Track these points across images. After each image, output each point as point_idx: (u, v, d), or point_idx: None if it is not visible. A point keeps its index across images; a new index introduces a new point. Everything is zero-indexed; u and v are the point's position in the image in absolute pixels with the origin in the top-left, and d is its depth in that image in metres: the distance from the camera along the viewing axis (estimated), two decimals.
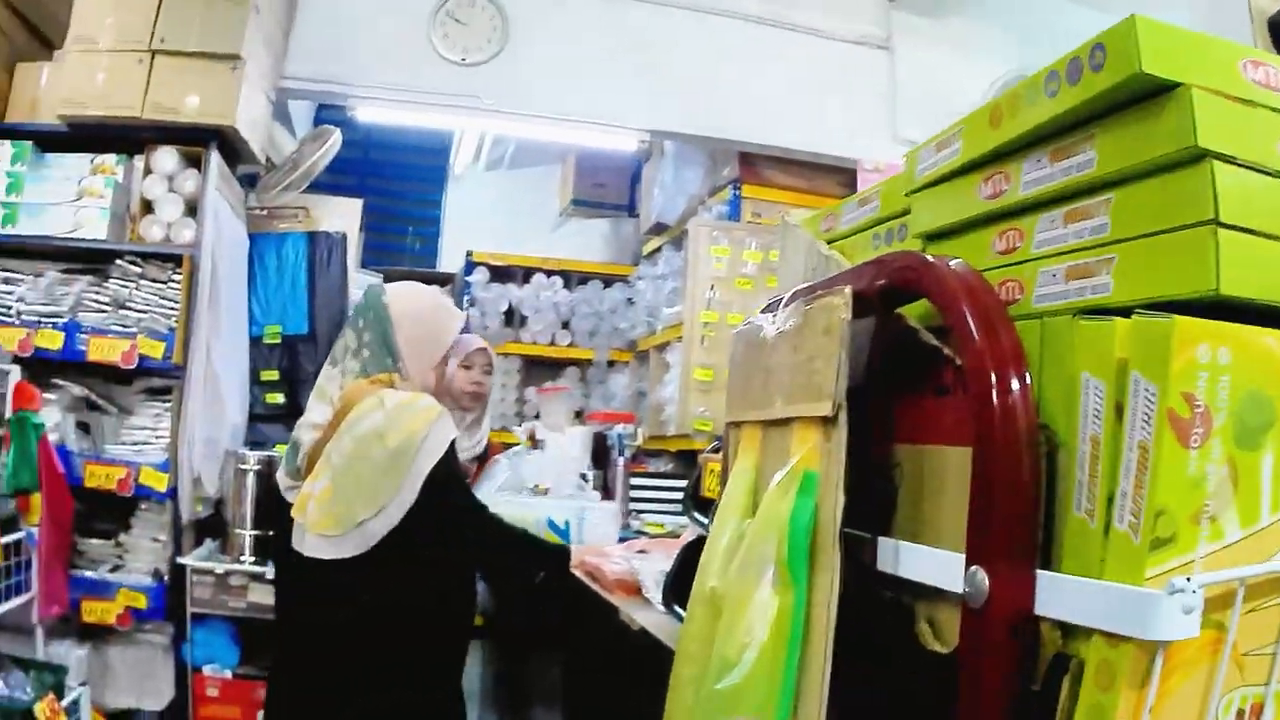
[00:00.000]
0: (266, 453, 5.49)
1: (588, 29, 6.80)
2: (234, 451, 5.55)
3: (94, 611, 5.18)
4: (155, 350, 5.25)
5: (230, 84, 5.45)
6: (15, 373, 4.40)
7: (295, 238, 6.54)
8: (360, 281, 6.72)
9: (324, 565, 3.37)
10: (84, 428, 5.48)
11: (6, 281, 5.53)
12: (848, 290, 1.70)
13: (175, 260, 5.47)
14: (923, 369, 1.69)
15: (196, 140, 5.54)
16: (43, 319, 5.37)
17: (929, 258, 1.66)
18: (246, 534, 5.42)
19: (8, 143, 5.55)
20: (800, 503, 1.69)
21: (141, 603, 5.22)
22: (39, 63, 5.90)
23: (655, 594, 3.63)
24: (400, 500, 3.34)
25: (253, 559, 5.39)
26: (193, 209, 5.53)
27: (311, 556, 3.40)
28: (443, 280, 9.49)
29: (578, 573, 4.15)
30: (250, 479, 5.43)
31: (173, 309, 5.39)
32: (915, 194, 1.94)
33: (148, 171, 5.54)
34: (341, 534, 3.33)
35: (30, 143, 5.54)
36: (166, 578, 5.30)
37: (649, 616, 3.52)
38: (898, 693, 1.66)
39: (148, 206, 5.55)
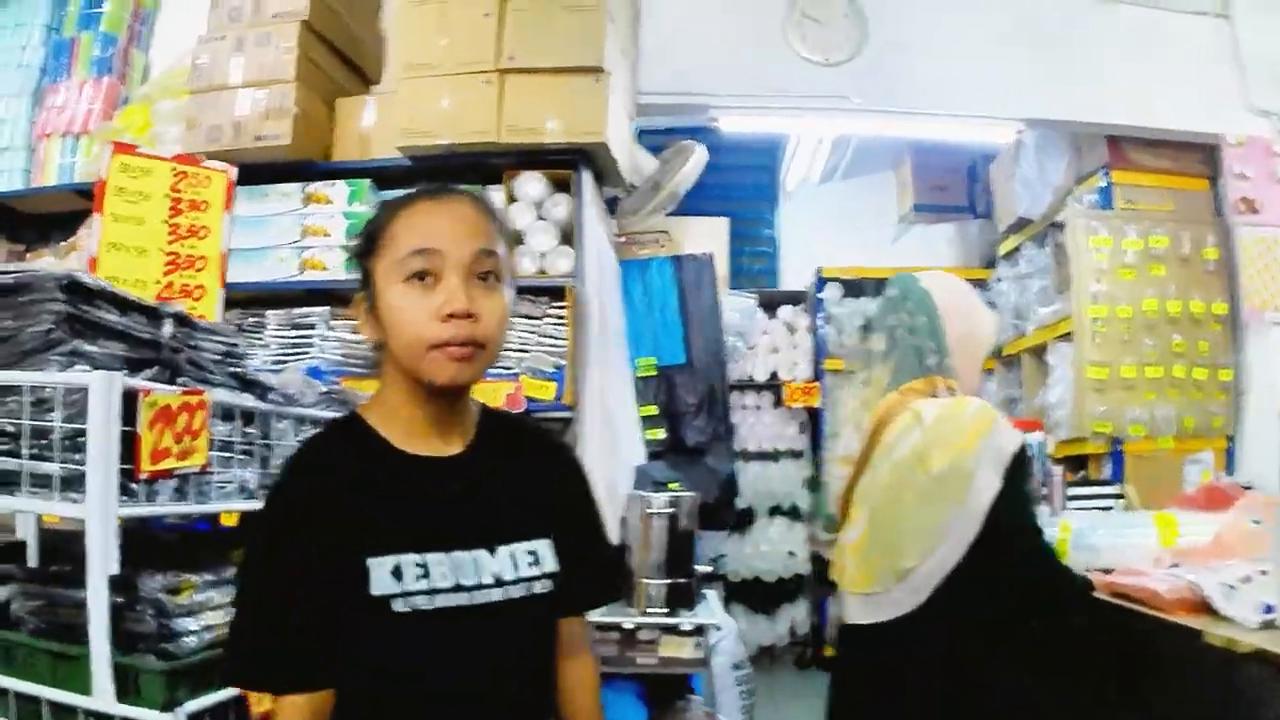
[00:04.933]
0: (672, 493, 5.23)
1: (948, 16, 6.49)
2: (637, 495, 5.32)
3: None
4: (544, 392, 5.07)
5: (596, 99, 5.22)
6: None
7: (660, 263, 6.42)
8: (733, 305, 6.52)
9: (868, 634, 2.95)
10: None
11: (356, 331, 5.32)
12: None
13: (550, 293, 5.28)
14: None
15: (560, 163, 5.35)
16: None
17: None
18: (654, 583, 5.15)
19: (341, 183, 5.51)
20: None
21: None
22: (360, 97, 5.87)
23: (1232, 608, 3.09)
24: (955, 539, 2.82)
25: (664, 610, 5.01)
26: (566, 237, 5.35)
27: (853, 624, 2.99)
28: (793, 299, 9.26)
29: (1104, 596, 3.51)
30: (656, 524, 5.16)
31: (556, 345, 5.20)
32: None
33: (510, 200, 5.38)
34: (883, 591, 2.89)
35: (368, 181, 5.49)
36: None
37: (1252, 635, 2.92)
38: None
39: (516, 238, 5.36)
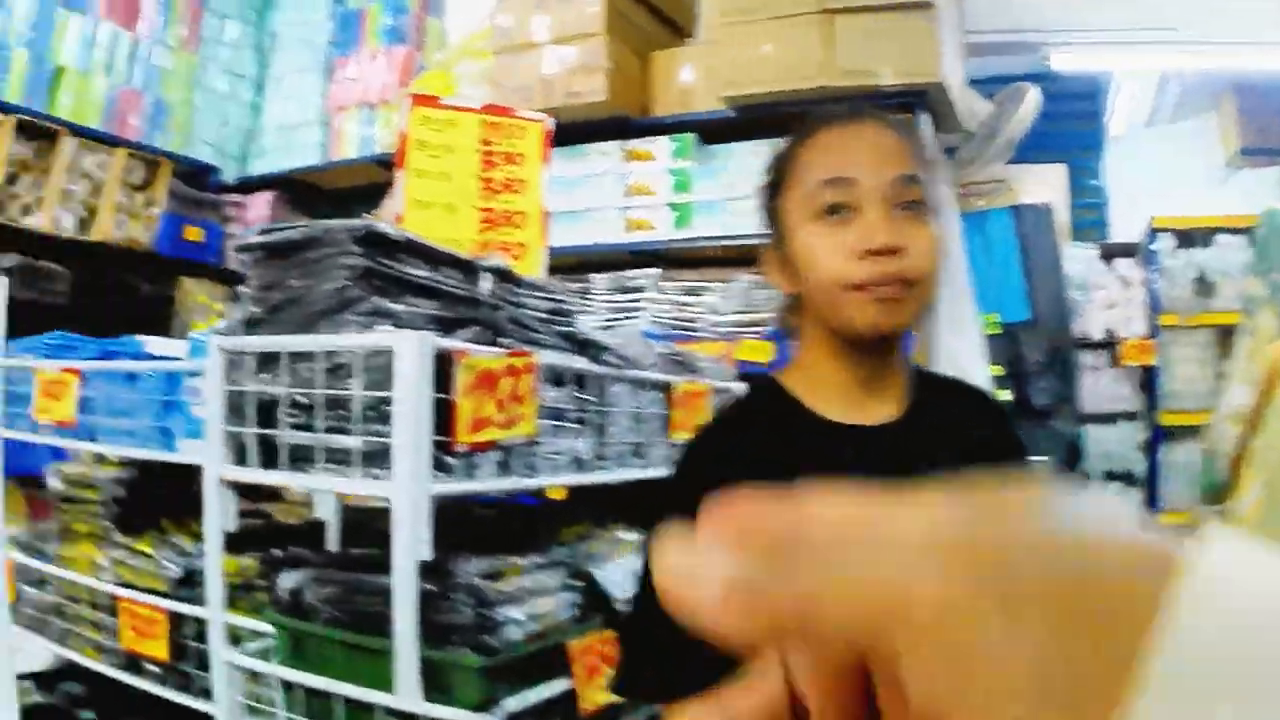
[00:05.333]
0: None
1: None
2: None
3: None
4: None
5: (928, 36, 4.58)
6: (738, 388, 3.66)
7: (999, 214, 5.85)
8: (1074, 257, 5.78)
9: None
10: None
11: (689, 292, 4.98)
12: None
13: None
14: None
15: (895, 108, 4.65)
16: (743, 329, 4.75)
17: None
18: None
19: (663, 138, 5.06)
20: None
21: None
22: (675, 49, 5.39)
23: None
24: None
25: None
26: None
27: None
28: (1126, 251, 8.36)
29: None
30: None
31: None
32: None
33: None
34: None
35: (691, 135, 5.02)
36: None
37: None
38: None
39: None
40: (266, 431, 2.09)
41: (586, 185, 5.13)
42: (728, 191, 4.89)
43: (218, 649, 2.27)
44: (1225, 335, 7.21)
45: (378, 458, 1.92)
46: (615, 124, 5.15)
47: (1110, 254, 8.37)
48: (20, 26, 5.75)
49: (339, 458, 1.99)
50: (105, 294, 5.95)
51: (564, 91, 4.98)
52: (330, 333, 2.00)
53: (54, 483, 3.20)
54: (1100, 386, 8.26)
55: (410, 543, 1.85)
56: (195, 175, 6.59)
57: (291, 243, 2.09)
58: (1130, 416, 8.10)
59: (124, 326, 3.74)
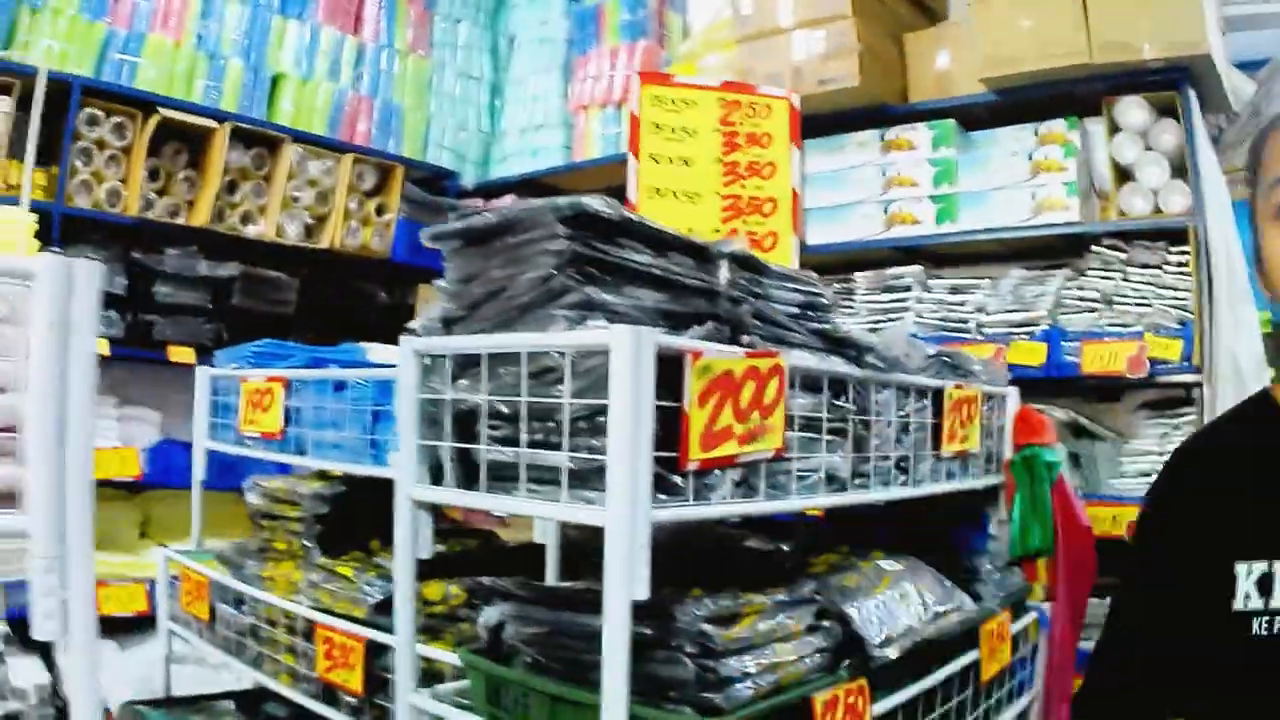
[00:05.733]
0: None
1: None
2: None
3: None
4: (1169, 351, 3.99)
5: (1192, 6, 4.06)
6: (1014, 396, 3.19)
7: None
8: None
9: None
10: (1074, 459, 4.30)
11: (955, 291, 4.59)
12: None
13: (1164, 236, 4.21)
14: None
15: (1159, 84, 4.22)
16: (1014, 329, 4.34)
17: None
18: None
19: (922, 125, 4.67)
20: None
21: None
22: (930, 30, 4.99)
23: None
24: None
25: None
26: (1177, 170, 4.23)
27: None
28: None
29: None
30: None
31: (1178, 297, 4.12)
32: None
33: (1113, 131, 4.31)
34: None
35: (951, 121, 4.63)
36: None
37: None
38: None
39: (1122, 174, 4.32)
40: (464, 445, 1.78)
41: (843, 178, 4.81)
42: (993, 181, 4.50)
43: (403, 687, 1.97)
44: None
45: (590, 477, 1.58)
46: (871, 112, 4.80)
47: None
48: (234, 35, 5.69)
49: (546, 476, 1.66)
50: (335, 301, 5.88)
51: (815, 78, 4.61)
52: (534, 330, 1.67)
53: (253, 498, 2.99)
54: None
55: (623, 579, 1.51)
56: (433, 181, 6.50)
57: (492, 228, 1.77)
58: None
59: (358, 335, 3.59)
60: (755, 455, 1.73)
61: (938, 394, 2.40)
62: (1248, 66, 5.08)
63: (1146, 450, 4.27)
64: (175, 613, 3.23)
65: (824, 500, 1.98)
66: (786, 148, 2.80)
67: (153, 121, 5.13)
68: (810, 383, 1.93)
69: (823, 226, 4.74)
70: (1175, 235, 4.16)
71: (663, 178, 2.68)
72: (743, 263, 1.88)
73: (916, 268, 4.72)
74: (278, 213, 5.56)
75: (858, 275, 4.79)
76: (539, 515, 1.80)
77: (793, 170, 2.79)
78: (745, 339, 1.81)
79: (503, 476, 1.72)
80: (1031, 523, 2.97)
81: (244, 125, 5.42)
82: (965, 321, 4.46)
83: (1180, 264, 4.12)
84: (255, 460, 3.15)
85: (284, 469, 3.26)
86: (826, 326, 2.04)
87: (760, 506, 1.80)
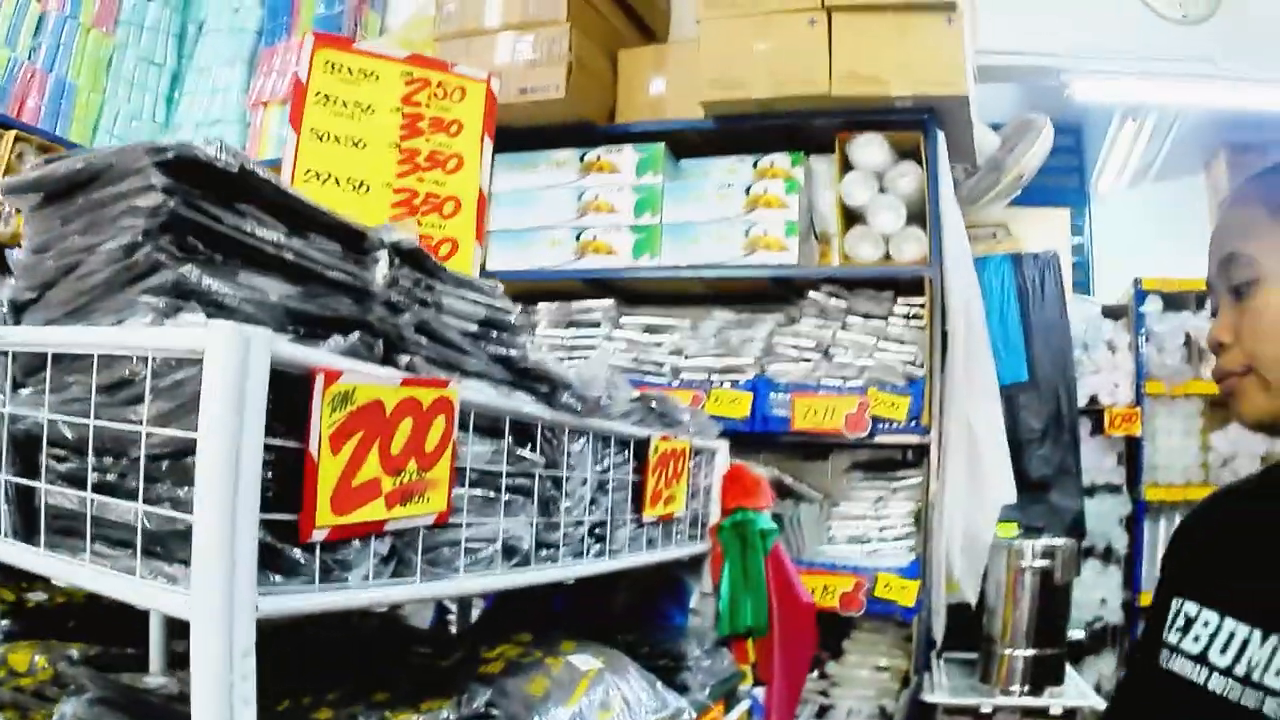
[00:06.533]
0: (1047, 541, 3.98)
1: None
2: (1005, 544, 4.00)
3: None
4: (895, 410, 3.79)
5: (951, 42, 3.90)
6: (724, 451, 2.81)
7: (998, 262, 5.19)
8: (1082, 314, 5.16)
9: None
10: (775, 520, 3.99)
11: (650, 330, 4.28)
12: None
13: (892, 286, 4.03)
14: None
15: (904, 124, 4.04)
16: (714, 377, 4.05)
17: None
18: (1019, 654, 3.89)
19: (629, 147, 4.33)
20: None
21: None
22: (647, 47, 4.72)
23: None
24: None
25: (1024, 688, 3.88)
26: (914, 217, 4.03)
27: None
28: (1113, 314, 7.75)
29: None
30: (1029, 581, 3.92)
31: (905, 351, 3.92)
32: None
33: (845, 169, 4.09)
34: None
35: (661, 145, 4.29)
36: None
37: None
38: None
39: (850, 217, 4.08)
40: (21, 480, 1.27)
41: (534, 198, 4.40)
42: (703, 214, 4.18)
43: None
44: (1215, 405, 6.75)
45: (173, 542, 1.10)
46: (575, 130, 4.42)
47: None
48: None
49: (123, 536, 1.16)
50: None
51: (517, 86, 4.18)
52: (108, 321, 1.18)
53: None
54: (1083, 457, 7.67)
55: (215, 694, 1.03)
56: None
57: (75, 176, 1.25)
58: (1114, 489, 7.53)
59: None
60: (412, 520, 1.29)
61: (641, 445, 2.00)
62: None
63: (860, 515, 4.06)
64: None
65: (501, 580, 1.53)
66: (478, 140, 2.41)
67: None
68: (487, 425, 1.49)
69: (506, 251, 4.33)
70: (905, 285, 3.96)
71: (326, 160, 2.25)
72: (409, 258, 1.41)
73: (608, 302, 4.37)
74: None
75: (541, 306, 4.41)
76: (102, 591, 1.26)
77: (483, 167, 2.39)
78: (404, 359, 1.35)
79: (70, 530, 1.22)
80: (743, 597, 2.60)
81: None
82: (660, 365, 4.16)
83: (909, 315, 3.93)
84: None
85: None
86: (513, 353, 1.58)
87: (415, 590, 1.34)
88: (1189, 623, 1.43)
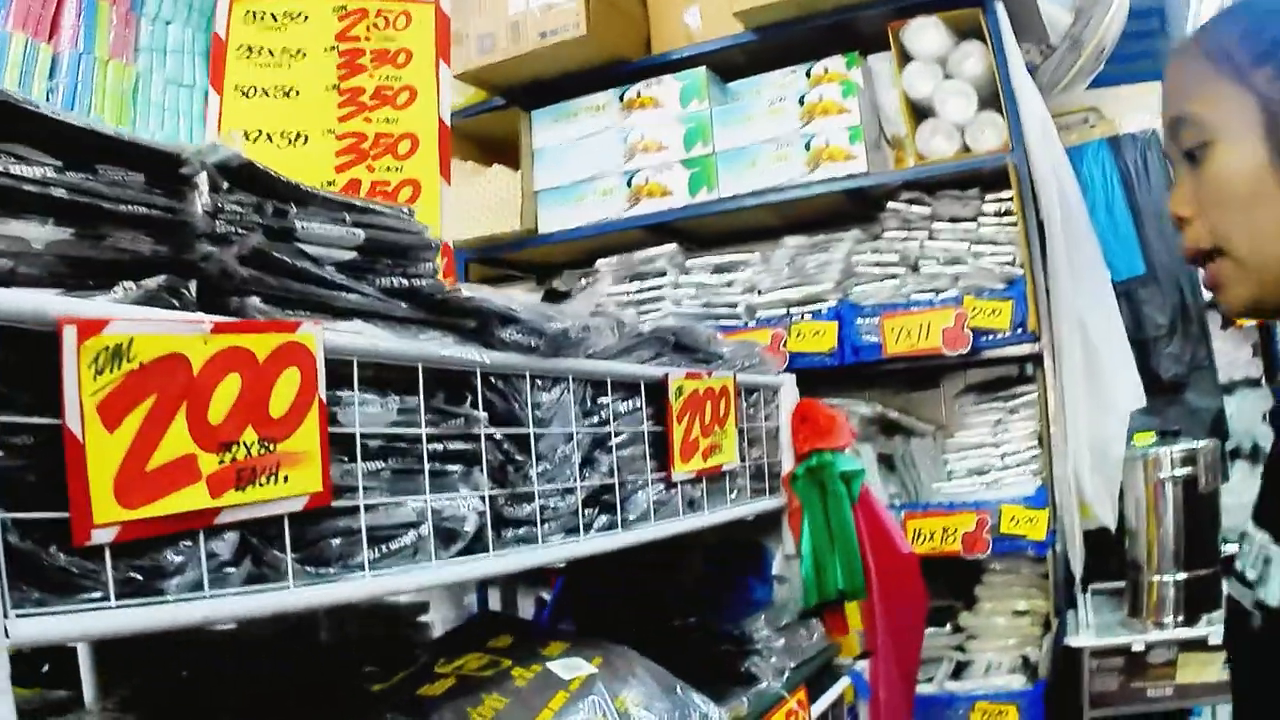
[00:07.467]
0: (1186, 445, 3.49)
1: None
2: (1139, 454, 3.53)
3: None
4: (997, 319, 3.43)
5: None
6: (789, 387, 2.41)
7: (1095, 148, 4.70)
8: None
9: None
10: (886, 463, 3.74)
11: (719, 270, 3.98)
12: None
13: (977, 182, 3.64)
14: None
15: (957, 1, 3.65)
16: (793, 309, 3.73)
17: None
18: (1170, 580, 3.42)
19: (668, 78, 4.02)
20: None
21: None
22: None
23: None
24: None
25: (1178, 618, 3.40)
26: (987, 101, 3.64)
27: None
28: None
29: None
30: (1170, 493, 3.43)
31: (1002, 253, 3.53)
32: None
33: (903, 61, 3.70)
34: None
35: (703, 70, 3.97)
36: (1046, 671, 3.36)
37: None
38: None
39: (918, 112, 3.71)
40: None
41: (580, 151, 4.13)
42: (758, 135, 3.84)
43: None
44: None
45: None
46: (606, 70, 4.13)
47: None
48: None
49: None
50: None
51: (536, 32, 3.90)
52: None
53: None
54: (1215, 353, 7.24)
55: None
56: None
57: None
58: (1253, 383, 7.07)
59: None
60: (265, 508, 0.95)
61: (656, 388, 1.62)
62: None
63: (977, 443, 3.69)
64: None
65: (431, 575, 1.14)
66: (432, 66, 2.13)
67: None
68: (397, 377, 1.13)
69: (556, 210, 4.11)
70: (989, 179, 3.60)
71: (255, 117, 2.00)
72: (244, 180, 1.05)
73: (671, 247, 4.08)
74: None
75: (600, 263, 4.18)
76: None
77: (441, 96, 2.10)
78: (236, 302, 0.98)
79: None
80: (829, 557, 2.21)
81: None
82: (734, 306, 3.86)
83: (1000, 212, 3.57)
84: None
85: None
86: (419, 283, 1.19)
87: (283, 599, 0.98)
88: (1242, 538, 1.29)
